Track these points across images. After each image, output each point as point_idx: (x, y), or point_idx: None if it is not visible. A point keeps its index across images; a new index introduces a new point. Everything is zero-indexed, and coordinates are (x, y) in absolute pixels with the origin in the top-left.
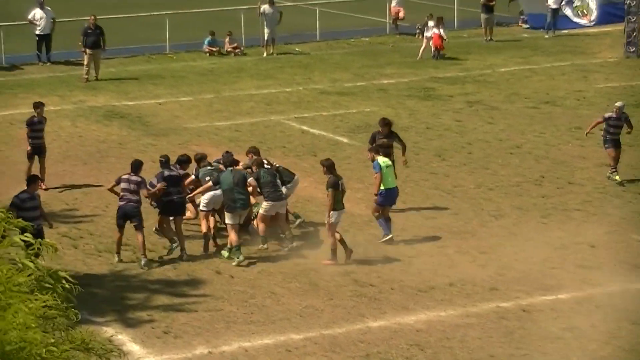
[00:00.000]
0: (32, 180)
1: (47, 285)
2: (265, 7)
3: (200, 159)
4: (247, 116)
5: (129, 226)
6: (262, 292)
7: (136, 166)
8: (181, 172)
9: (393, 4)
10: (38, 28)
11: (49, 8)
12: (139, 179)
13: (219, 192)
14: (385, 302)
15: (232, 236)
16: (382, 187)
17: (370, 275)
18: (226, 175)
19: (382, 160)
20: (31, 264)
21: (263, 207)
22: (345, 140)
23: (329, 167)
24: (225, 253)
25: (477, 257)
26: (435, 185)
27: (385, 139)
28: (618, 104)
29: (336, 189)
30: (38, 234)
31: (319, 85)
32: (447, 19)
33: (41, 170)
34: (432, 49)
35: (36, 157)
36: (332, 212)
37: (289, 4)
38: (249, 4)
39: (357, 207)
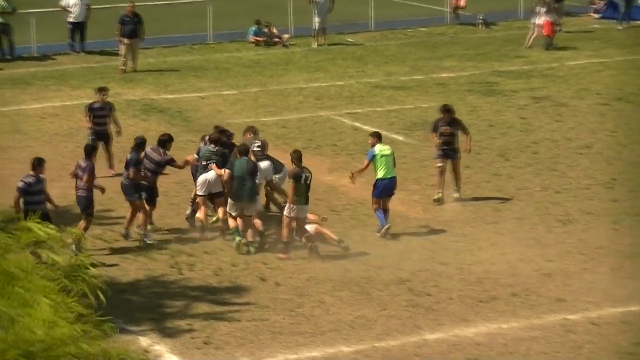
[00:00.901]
0: (39, 162)
1: (74, 275)
2: None
3: (218, 139)
4: (295, 111)
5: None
6: (310, 301)
7: (88, 151)
8: (161, 156)
9: None
10: (71, 15)
11: None
12: (84, 165)
13: (210, 175)
14: (442, 313)
15: (230, 222)
16: (377, 177)
17: (426, 284)
18: (240, 163)
19: (379, 148)
20: (59, 259)
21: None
22: (400, 138)
23: (297, 158)
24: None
25: (542, 266)
26: (498, 187)
27: (448, 126)
28: None
29: (297, 181)
30: (44, 219)
31: (372, 78)
32: (512, 8)
33: (109, 157)
34: (545, 38)
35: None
36: (292, 206)
37: None
38: None
39: (413, 211)
